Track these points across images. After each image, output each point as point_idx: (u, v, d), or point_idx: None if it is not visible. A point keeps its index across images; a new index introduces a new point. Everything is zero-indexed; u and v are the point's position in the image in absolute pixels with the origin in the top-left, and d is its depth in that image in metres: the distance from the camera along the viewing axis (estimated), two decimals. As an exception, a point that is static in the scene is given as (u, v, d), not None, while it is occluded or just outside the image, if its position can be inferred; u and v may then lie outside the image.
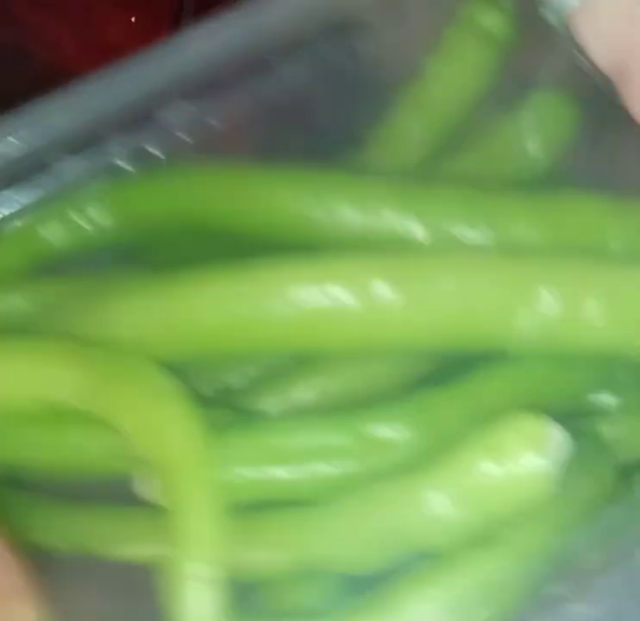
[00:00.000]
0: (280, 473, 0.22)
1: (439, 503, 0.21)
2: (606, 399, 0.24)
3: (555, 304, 0.22)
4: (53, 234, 0.25)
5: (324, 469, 0.22)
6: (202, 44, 0.25)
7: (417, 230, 0.24)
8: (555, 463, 0.20)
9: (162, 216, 0.26)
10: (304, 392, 0.24)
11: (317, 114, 0.27)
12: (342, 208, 0.24)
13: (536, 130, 0.26)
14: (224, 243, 0.25)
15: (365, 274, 0.22)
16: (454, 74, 0.27)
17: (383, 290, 0.22)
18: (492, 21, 0.27)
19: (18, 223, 0.25)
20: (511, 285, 0.22)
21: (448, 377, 0.23)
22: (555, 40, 0.26)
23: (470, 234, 0.24)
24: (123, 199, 0.26)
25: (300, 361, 0.24)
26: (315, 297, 0.22)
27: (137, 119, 0.25)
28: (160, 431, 0.22)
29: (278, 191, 0.24)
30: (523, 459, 0.20)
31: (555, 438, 0.21)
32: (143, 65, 0.25)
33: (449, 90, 0.27)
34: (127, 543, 0.23)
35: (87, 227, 0.25)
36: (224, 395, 0.25)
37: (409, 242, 0.24)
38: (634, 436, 0.23)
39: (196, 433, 0.22)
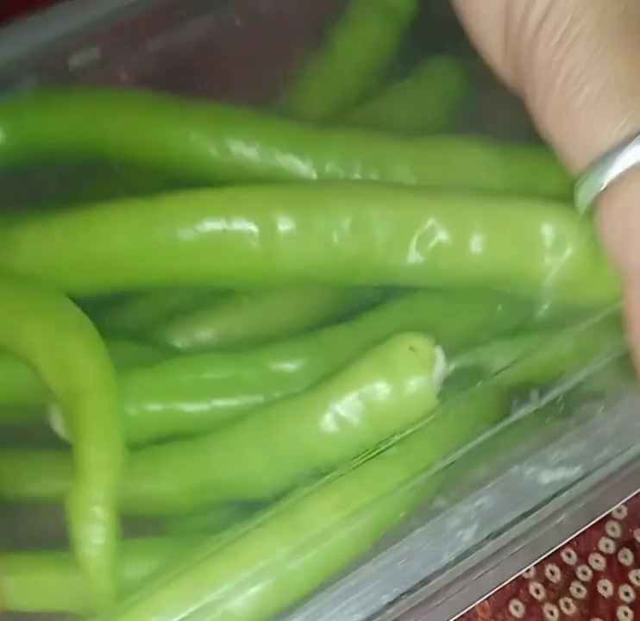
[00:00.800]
0: (187, 407, 0.23)
1: (332, 420, 0.22)
2: (490, 332, 0.25)
3: (442, 235, 0.23)
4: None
5: (229, 403, 0.23)
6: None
7: (307, 170, 0.25)
8: (438, 380, 0.22)
9: (56, 138, 0.26)
10: (210, 328, 0.25)
11: (225, 68, 0.28)
12: (236, 145, 0.25)
13: (432, 91, 0.28)
14: (118, 174, 0.26)
15: (266, 203, 0.23)
16: (359, 40, 0.28)
17: (282, 218, 0.23)
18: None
19: None
20: (403, 216, 0.23)
21: (348, 315, 0.25)
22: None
23: (357, 176, 0.25)
24: (18, 117, 0.26)
25: (208, 299, 0.25)
26: (219, 226, 0.23)
27: (47, 62, 0.26)
28: (69, 363, 0.22)
29: (173, 125, 0.25)
30: (411, 376, 0.22)
31: (438, 357, 0.22)
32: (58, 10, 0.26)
33: (354, 55, 0.29)
34: (32, 483, 0.24)
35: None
36: (133, 329, 0.25)
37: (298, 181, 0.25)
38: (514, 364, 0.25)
39: (103, 366, 0.22)
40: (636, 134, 0.21)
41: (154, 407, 0.23)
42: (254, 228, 0.23)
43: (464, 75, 0.29)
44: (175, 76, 0.27)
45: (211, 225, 0.23)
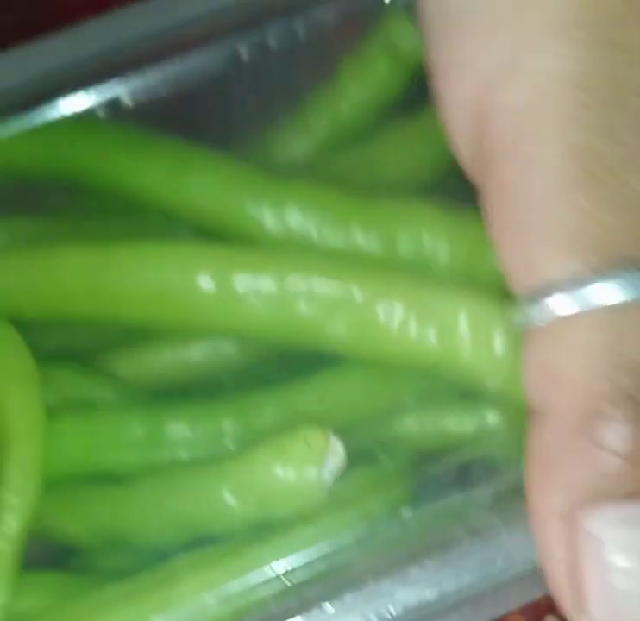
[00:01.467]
0: (106, 457, 0.24)
1: (226, 494, 0.22)
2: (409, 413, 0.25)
3: (369, 312, 0.23)
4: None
5: (143, 455, 0.24)
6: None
7: (261, 219, 0.24)
8: (331, 474, 0.22)
9: (38, 161, 0.26)
10: (134, 367, 0.26)
11: (229, 102, 0.28)
12: (192, 187, 0.25)
13: (425, 141, 0.27)
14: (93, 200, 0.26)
15: (196, 262, 0.23)
16: (361, 83, 0.28)
17: (207, 278, 0.23)
18: (406, 43, 0.27)
19: None
20: (331, 290, 0.23)
21: (273, 375, 0.25)
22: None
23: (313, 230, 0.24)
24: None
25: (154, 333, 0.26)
26: (154, 278, 0.23)
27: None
28: (3, 414, 0.23)
29: (134, 160, 0.25)
30: (304, 467, 0.22)
31: (337, 453, 0.22)
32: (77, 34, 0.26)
33: (355, 94, 0.28)
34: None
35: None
36: (68, 353, 0.26)
37: (257, 231, 0.24)
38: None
39: (34, 409, 0.23)
40: (584, 280, 0.19)
41: (76, 454, 0.24)
42: (180, 281, 0.23)
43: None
44: (182, 107, 0.27)
45: (149, 275, 0.23)
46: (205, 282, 0.23)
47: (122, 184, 0.26)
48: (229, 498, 0.22)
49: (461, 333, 0.22)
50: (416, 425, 0.24)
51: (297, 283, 0.23)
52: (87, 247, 0.24)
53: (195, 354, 0.26)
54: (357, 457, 0.22)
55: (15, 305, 0.25)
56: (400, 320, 0.22)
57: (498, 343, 0.22)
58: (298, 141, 0.28)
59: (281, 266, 0.23)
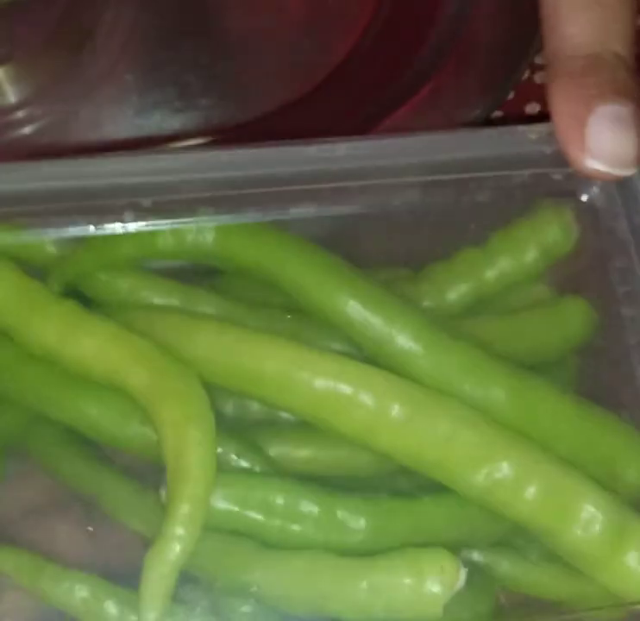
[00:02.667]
0: (258, 520, 0.28)
1: (360, 589, 0.27)
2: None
3: (505, 476, 0.28)
4: (165, 242, 0.31)
5: (291, 528, 0.28)
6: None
7: (422, 362, 0.30)
8: (450, 594, 0.27)
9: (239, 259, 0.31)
10: (298, 450, 0.31)
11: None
12: (350, 306, 0.30)
13: (555, 328, 0.32)
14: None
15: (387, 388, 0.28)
16: (507, 259, 0.33)
17: (394, 408, 0.28)
18: (556, 237, 0.32)
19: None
20: (484, 446, 0.28)
21: (403, 488, 0.30)
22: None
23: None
24: (226, 238, 0.31)
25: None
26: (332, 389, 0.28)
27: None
28: (182, 451, 0.27)
29: (308, 277, 0.30)
30: (435, 589, 0.27)
31: (461, 581, 0.27)
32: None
33: (500, 268, 0.33)
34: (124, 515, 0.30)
35: (191, 245, 0.31)
36: (243, 419, 0.31)
37: (412, 365, 0.30)
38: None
39: (208, 461, 0.27)
40: None
41: (232, 508, 0.28)
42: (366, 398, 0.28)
43: (592, 324, 0.33)
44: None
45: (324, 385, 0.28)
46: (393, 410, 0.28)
47: (292, 285, 0.31)
48: (361, 593, 0.27)
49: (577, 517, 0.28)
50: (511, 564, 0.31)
51: (464, 431, 0.28)
52: (228, 327, 0.29)
53: (339, 454, 0.31)
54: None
55: (209, 376, 0.29)
56: (531, 491, 0.28)
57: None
58: (441, 297, 0.33)
59: (434, 411, 0.28)
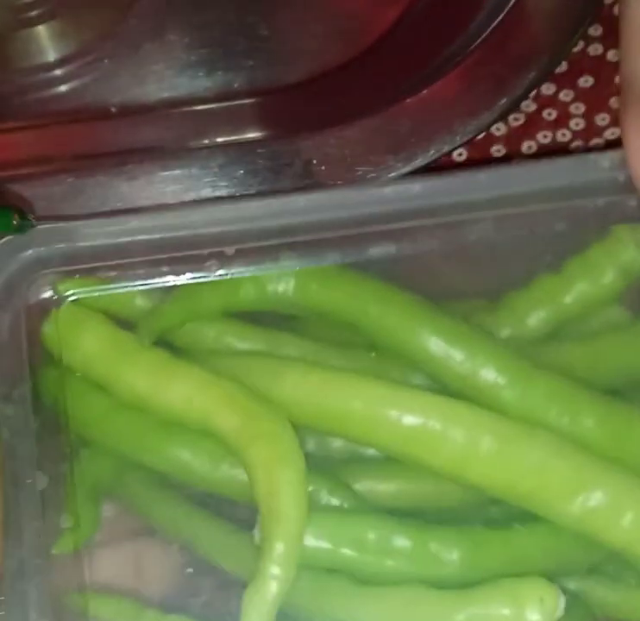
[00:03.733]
0: (352, 555, 0.29)
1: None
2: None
3: (600, 504, 0.28)
4: (246, 292, 0.32)
5: (385, 563, 0.29)
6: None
7: (507, 394, 0.30)
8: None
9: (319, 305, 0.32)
10: (385, 485, 0.31)
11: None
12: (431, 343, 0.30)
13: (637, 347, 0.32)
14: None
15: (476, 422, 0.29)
16: (585, 283, 0.33)
17: (485, 441, 0.28)
18: (630, 254, 0.32)
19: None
20: (576, 474, 0.29)
21: (495, 518, 0.30)
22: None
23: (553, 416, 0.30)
24: (305, 286, 0.32)
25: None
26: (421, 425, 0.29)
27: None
28: (275, 491, 0.28)
29: (389, 316, 0.31)
30: (529, 614, 0.27)
31: (560, 610, 0.27)
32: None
33: (578, 292, 0.33)
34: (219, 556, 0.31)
35: (272, 294, 0.32)
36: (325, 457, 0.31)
37: (495, 400, 0.30)
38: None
39: (300, 500, 0.28)
40: None
41: (325, 546, 0.29)
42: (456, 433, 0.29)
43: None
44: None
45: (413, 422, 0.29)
46: (482, 440, 0.28)
47: (373, 327, 0.31)
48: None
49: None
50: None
51: (555, 462, 0.28)
52: (313, 368, 0.30)
53: (426, 487, 0.31)
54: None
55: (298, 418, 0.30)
56: (626, 519, 0.28)
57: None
58: (521, 324, 0.33)
59: (524, 442, 0.28)
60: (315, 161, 0.37)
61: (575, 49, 0.40)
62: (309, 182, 0.36)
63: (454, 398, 0.30)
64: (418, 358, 0.31)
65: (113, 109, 0.39)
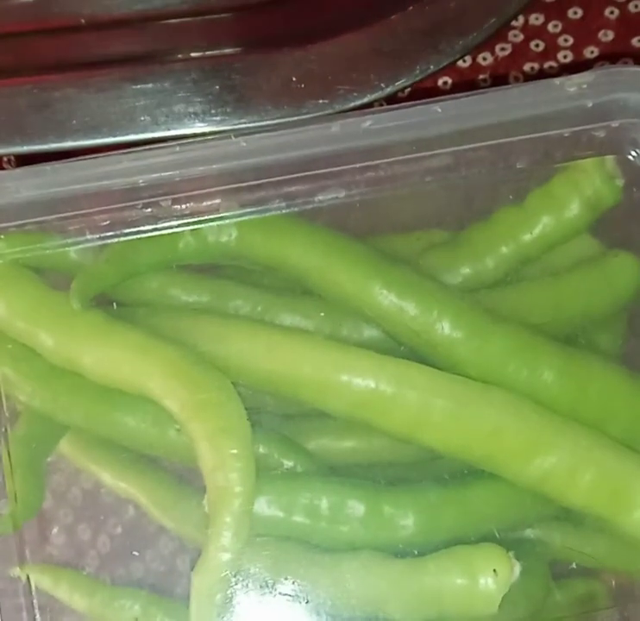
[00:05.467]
0: (303, 523, 0.28)
1: (412, 589, 0.27)
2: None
3: (558, 465, 0.27)
4: (186, 245, 0.30)
5: (339, 529, 0.28)
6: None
7: (461, 347, 0.28)
8: (505, 590, 0.27)
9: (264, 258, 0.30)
10: (340, 443, 0.30)
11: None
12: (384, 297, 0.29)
13: (603, 284, 0.31)
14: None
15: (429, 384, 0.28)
16: (548, 216, 0.30)
17: (438, 404, 0.27)
18: (598, 189, 0.30)
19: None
20: (534, 436, 0.28)
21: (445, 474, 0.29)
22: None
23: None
24: (249, 237, 0.30)
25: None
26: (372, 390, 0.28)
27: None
28: (220, 464, 0.27)
29: (337, 270, 0.29)
30: (489, 591, 0.27)
31: (515, 575, 0.27)
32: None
33: (539, 227, 0.31)
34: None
35: (213, 246, 0.30)
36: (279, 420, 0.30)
37: (453, 352, 0.28)
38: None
39: (247, 471, 0.27)
40: None
41: (279, 514, 0.28)
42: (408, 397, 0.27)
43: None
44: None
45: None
46: (435, 401, 0.27)
47: (322, 281, 0.29)
48: (413, 593, 0.27)
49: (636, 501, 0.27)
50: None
51: (509, 421, 0.27)
52: (260, 330, 0.28)
53: (382, 444, 0.30)
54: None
55: (244, 380, 0.29)
56: (581, 476, 0.27)
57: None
58: (481, 262, 0.31)
59: (479, 404, 0.27)
60: (294, 78, 0.35)
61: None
62: (287, 100, 0.34)
63: (409, 354, 0.28)
64: (370, 313, 0.29)
65: (82, 21, 0.37)
